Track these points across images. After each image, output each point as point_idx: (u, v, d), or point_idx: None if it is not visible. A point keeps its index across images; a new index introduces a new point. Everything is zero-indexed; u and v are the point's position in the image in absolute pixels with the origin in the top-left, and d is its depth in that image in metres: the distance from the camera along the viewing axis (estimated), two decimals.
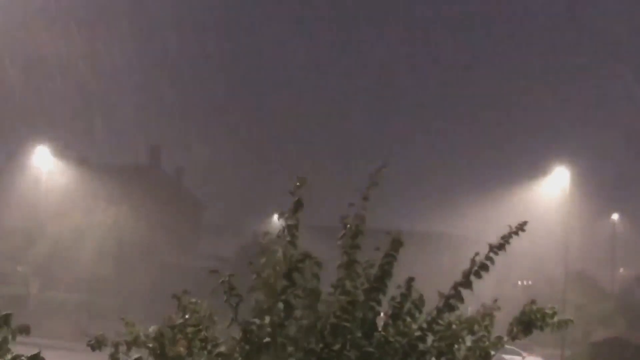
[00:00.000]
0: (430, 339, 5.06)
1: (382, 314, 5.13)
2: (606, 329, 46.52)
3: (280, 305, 4.88)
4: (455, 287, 5.17)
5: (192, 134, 76.74)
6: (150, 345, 5.14)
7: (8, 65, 45.87)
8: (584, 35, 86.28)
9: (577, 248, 46.96)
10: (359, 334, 4.93)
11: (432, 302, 5.19)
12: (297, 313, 4.92)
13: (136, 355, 5.14)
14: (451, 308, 5.13)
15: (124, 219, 50.20)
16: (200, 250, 61.58)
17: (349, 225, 5.23)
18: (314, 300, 4.96)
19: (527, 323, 5.28)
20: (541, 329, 5.31)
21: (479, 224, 40.69)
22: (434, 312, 5.12)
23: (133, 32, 70.65)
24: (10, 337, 4.25)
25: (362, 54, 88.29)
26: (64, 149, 52.01)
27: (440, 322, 5.10)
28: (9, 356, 4.18)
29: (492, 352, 5.22)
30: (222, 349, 5.02)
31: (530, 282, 56.18)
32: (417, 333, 5.04)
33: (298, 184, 5.18)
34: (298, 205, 5.16)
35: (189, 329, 5.13)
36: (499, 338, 5.25)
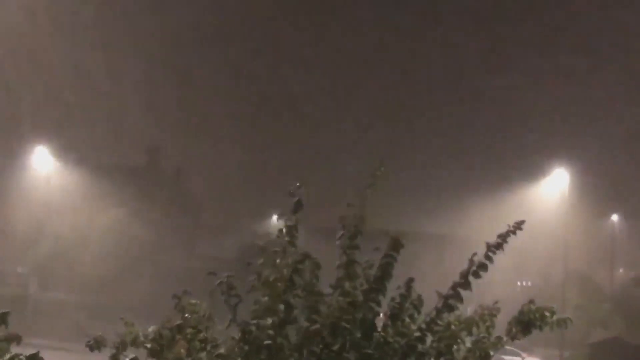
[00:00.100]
0: (429, 339, 5.06)
1: (381, 315, 5.13)
2: (605, 330, 46.52)
3: (281, 306, 4.88)
4: (454, 287, 5.16)
5: (191, 134, 76.76)
6: (149, 346, 5.13)
7: (8, 65, 45.88)
8: (584, 36, 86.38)
9: (576, 249, 46.95)
10: (358, 335, 4.93)
11: (434, 303, 5.19)
12: (296, 313, 4.92)
13: (132, 355, 5.14)
14: (450, 308, 5.12)
15: (124, 219, 50.21)
16: (200, 251, 61.54)
17: (348, 226, 5.23)
18: (316, 301, 4.95)
19: (526, 323, 5.28)
20: (540, 328, 5.30)
21: (479, 224, 40.66)
22: (433, 313, 5.12)
23: (133, 33, 70.63)
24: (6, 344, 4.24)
25: (367, 53, 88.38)
26: (63, 150, 51.99)
27: (440, 322, 5.09)
28: (8, 356, 4.17)
29: (492, 353, 5.22)
30: (222, 349, 5.02)
31: (529, 283, 56.23)
32: (417, 334, 5.03)
33: (298, 184, 5.19)
34: (298, 206, 5.17)
35: (189, 330, 5.12)
36: (499, 338, 5.25)
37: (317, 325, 4.85)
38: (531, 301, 5.36)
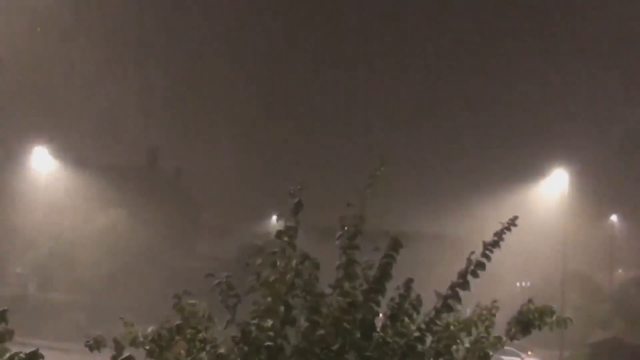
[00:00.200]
0: (428, 339, 5.05)
1: (380, 315, 5.12)
2: (604, 330, 46.52)
3: (281, 307, 4.88)
4: (453, 287, 5.16)
5: (191, 134, 76.68)
6: (148, 347, 5.13)
7: (8, 65, 45.86)
8: (584, 36, 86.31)
9: (576, 249, 46.99)
10: (358, 335, 4.92)
11: (434, 303, 5.19)
12: (296, 313, 4.92)
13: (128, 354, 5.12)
14: (449, 308, 5.12)
15: (123, 219, 50.22)
16: (199, 251, 61.54)
17: (348, 226, 5.22)
18: (316, 302, 4.94)
19: (525, 323, 5.28)
20: (539, 328, 5.30)
21: (479, 225, 40.65)
22: (432, 313, 5.11)
23: (133, 33, 70.62)
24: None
25: (369, 54, 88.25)
26: (63, 150, 51.99)
27: (439, 322, 5.09)
28: (7, 355, 4.17)
29: (491, 353, 5.22)
30: (222, 350, 5.01)
31: (529, 284, 56.22)
32: (416, 334, 5.03)
33: (298, 185, 5.18)
34: (298, 207, 5.16)
35: (188, 330, 5.12)
36: (498, 338, 5.25)
37: (322, 331, 4.84)
38: (530, 301, 5.35)
